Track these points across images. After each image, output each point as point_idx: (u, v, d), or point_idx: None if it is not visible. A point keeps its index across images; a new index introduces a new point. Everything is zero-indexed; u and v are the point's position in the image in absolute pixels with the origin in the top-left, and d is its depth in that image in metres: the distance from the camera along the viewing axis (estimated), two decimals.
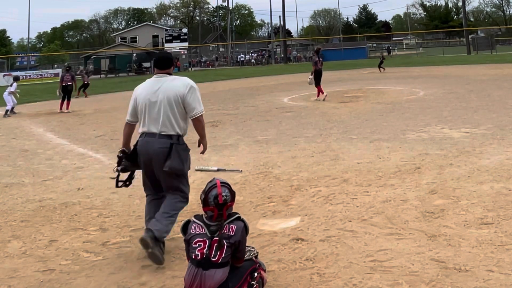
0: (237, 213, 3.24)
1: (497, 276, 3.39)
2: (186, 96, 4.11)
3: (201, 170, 6.20)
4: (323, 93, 15.69)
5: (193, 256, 3.06)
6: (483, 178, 5.75)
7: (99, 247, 4.46)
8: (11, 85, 18.06)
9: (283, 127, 10.68)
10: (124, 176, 4.46)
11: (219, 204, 3.10)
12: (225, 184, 3.22)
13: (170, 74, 4.30)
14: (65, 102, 17.29)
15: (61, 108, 17.21)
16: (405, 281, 3.40)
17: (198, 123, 4.24)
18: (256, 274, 3.20)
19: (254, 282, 3.15)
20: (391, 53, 62.11)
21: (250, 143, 9.06)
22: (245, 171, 6.71)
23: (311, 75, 16.28)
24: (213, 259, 3.02)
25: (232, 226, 3.11)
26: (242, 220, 3.20)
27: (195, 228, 3.12)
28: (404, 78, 23.35)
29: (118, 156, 4.42)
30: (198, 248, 3.04)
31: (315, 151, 7.93)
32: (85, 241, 4.62)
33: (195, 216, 3.21)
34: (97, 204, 5.81)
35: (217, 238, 3.05)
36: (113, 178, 4.61)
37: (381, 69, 30.25)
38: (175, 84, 4.17)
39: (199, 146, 4.52)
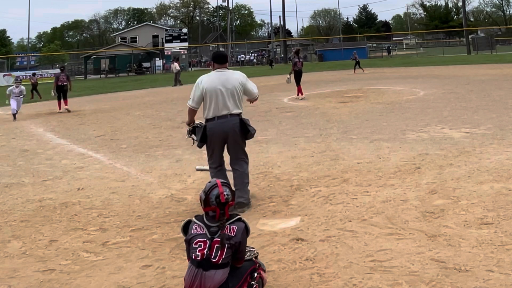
0: (237, 214, 3.24)
1: (497, 276, 3.39)
2: (246, 85, 5.41)
3: (201, 170, 6.18)
4: (302, 93, 16.54)
5: (193, 257, 3.05)
6: (483, 178, 5.75)
7: (99, 247, 4.46)
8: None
9: (283, 127, 10.68)
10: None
11: (221, 203, 3.10)
12: (226, 183, 3.23)
13: (227, 68, 5.42)
14: (62, 101, 17.35)
15: (60, 108, 17.23)
16: (405, 281, 3.40)
17: (256, 99, 5.72)
18: (256, 274, 3.19)
19: (254, 282, 3.15)
20: (391, 53, 62.07)
21: (250, 143, 9.01)
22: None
23: (289, 74, 17.10)
24: (213, 260, 3.00)
25: (233, 227, 3.10)
26: (243, 221, 3.19)
27: (195, 228, 3.10)
28: (404, 78, 23.36)
29: (191, 128, 5.55)
30: (199, 249, 3.03)
31: (315, 151, 7.93)
32: (85, 241, 4.62)
33: (196, 217, 3.21)
34: (97, 204, 5.82)
35: (218, 239, 3.04)
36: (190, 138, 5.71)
37: (356, 70, 30.36)
38: (236, 76, 5.36)
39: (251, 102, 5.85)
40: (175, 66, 31.56)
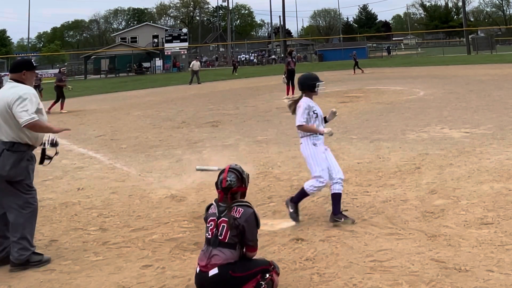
0: (247, 202, 3.37)
1: (497, 276, 3.39)
2: (13, 106, 4.02)
3: (202, 170, 6.18)
4: (291, 93, 16.95)
5: (206, 236, 3.25)
6: (483, 178, 5.75)
7: (99, 247, 4.46)
8: None
9: (283, 127, 10.68)
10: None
11: (223, 188, 3.29)
12: (234, 170, 3.38)
13: (19, 80, 4.23)
14: (63, 102, 17.35)
15: (62, 108, 17.18)
16: (405, 281, 3.40)
17: (33, 128, 4.10)
18: (267, 275, 3.24)
19: (263, 283, 3.19)
20: (391, 53, 62.05)
21: (250, 143, 9.06)
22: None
23: (284, 75, 17.50)
24: (220, 237, 3.18)
25: (239, 209, 3.25)
26: (252, 208, 3.32)
27: (211, 209, 3.34)
28: (404, 78, 23.35)
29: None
30: (210, 228, 3.25)
31: None
32: (85, 241, 4.62)
33: (215, 199, 3.40)
34: (97, 204, 5.81)
35: (225, 219, 3.20)
36: None
37: (355, 70, 30.34)
38: (10, 92, 4.11)
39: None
40: (198, 64, 31.53)
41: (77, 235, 4.81)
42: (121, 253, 4.29)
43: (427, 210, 4.78)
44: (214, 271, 3.10)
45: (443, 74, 24.19)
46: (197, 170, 6.43)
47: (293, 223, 4.72)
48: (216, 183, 3.36)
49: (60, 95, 17.45)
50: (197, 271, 3.22)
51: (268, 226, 4.70)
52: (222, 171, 3.38)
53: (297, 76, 17.55)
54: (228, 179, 3.31)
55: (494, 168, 6.14)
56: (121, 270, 3.93)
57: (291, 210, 4.64)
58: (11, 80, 4.26)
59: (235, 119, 12.57)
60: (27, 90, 4.16)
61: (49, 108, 16.99)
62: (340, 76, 28.10)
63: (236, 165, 3.46)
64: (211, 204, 3.42)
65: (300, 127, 4.68)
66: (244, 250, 3.27)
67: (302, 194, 4.65)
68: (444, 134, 8.66)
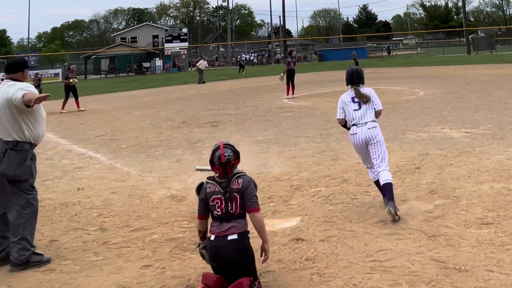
0: (243, 171, 3.52)
1: (497, 276, 3.39)
2: (13, 96, 3.99)
3: (201, 170, 6.18)
4: (291, 93, 17.09)
5: (215, 214, 3.38)
6: (483, 178, 5.74)
7: (99, 247, 4.46)
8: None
9: (283, 127, 10.68)
10: None
11: (222, 163, 3.41)
12: (228, 145, 3.51)
13: (17, 79, 4.22)
14: (76, 100, 17.34)
15: (63, 108, 17.08)
16: (405, 281, 3.40)
17: (26, 96, 3.96)
18: (256, 283, 3.32)
19: (254, 286, 3.27)
20: (391, 53, 62.05)
21: (250, 143, 9.06)
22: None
23: (283, 73, 17.70)
24: (231, 211, 3.35)
25: (239, 180, 3.42)
26: (250, 177, 3.50)
27: (209, 187, 3.42)
28: (404, 78, 23.34)
29: None
30: (217, 205, 3.37)
31: (315, 151, 7.93)
32: (85, 241, 4.63)
33: (208, 178, 3.49)
34: (97, 204, 5.82)
35: (230, 193, 3.36)
36: None
37: None
38: (10, 90, 4.06)
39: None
40: (205, 64, 31.45)
41: (77, 235, 4.81)
42: (121, 253, 4.29)
43: (427, 210, 4.78)
44: (233, 236, 3.29)
45: (443, 74, 24.19)
46: (197, 170, 6.43)
47: (293, 223, 4.73)
48: (212, 161, 3.44)
49: (66, 94, 17.30)
50: (213, 238, 3.33)
51: (268, 226, 4.70)
52: (218, 148, 3.46)
53: (296, 76, 17.73)
54: (226, 154, 3.43)
55: (494, 168, 6.14)
56: (121, 270, 3.93)
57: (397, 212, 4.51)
58: (8, 80, 4.22)
59: (235, 119, 12.57)
60: (28, 85, 4.20)
61: (62, 108, 16.94)
62: (340, 76, 28.02)
63: (226, 141, 3.59)
64: (201, 183, 3.50)
65: (381, 111, 5.00)
66: (249, 215, 3.37)
67: (391, 187, 4.68)
68: (444, 134, 8.66)
